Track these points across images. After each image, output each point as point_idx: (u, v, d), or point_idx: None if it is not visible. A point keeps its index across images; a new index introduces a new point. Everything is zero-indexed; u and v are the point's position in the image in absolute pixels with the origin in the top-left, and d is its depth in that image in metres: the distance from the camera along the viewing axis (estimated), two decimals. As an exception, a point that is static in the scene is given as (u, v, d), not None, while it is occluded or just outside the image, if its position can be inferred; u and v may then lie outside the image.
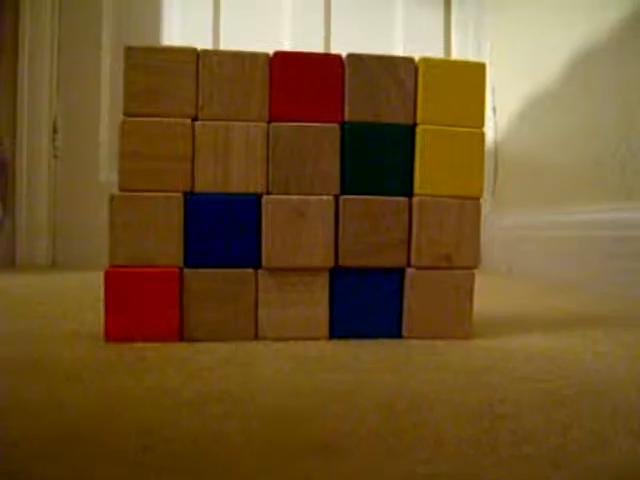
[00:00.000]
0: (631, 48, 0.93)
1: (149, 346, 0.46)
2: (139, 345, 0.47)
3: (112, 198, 0.48)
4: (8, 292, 0.88)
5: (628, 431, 0.28)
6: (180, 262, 0.49)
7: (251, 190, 0.49)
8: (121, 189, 0.48)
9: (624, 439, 0.26)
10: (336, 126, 0.50)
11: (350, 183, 0.50)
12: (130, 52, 0.49)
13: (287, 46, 1.52)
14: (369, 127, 0.50)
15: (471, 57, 1.53)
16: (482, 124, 0.52)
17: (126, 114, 0.49)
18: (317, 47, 1.55)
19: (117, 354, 0.43)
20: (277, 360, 0.42)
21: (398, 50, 1.58)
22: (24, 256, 1.51)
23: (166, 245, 0.48)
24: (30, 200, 1.51)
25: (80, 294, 0.85)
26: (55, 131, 1.53)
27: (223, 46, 1.53)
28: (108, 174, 1.51)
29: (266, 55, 0.50)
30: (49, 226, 1.52)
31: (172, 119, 0.49)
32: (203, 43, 1.47)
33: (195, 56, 0.49)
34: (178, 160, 0.49)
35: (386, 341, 0.50)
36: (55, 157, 1.53)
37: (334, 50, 1.55)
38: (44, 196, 1.52)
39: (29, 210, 1.51)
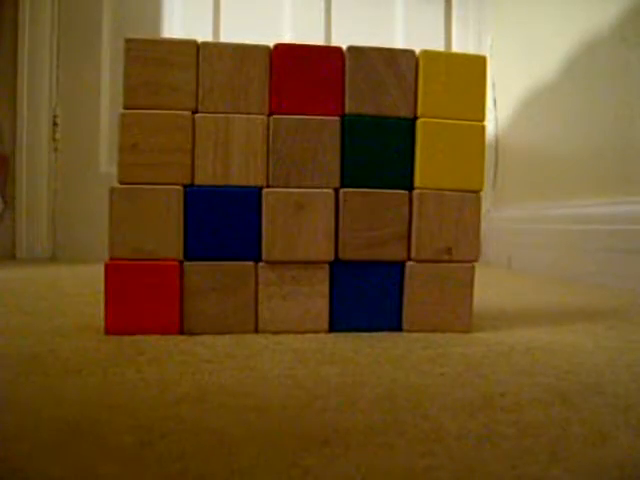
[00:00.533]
0: (631, 41, 0.93)
1: (149, 339, 0.46)
2: (139, 338, 0.47)
3: (112, 191, 0.48)
4: (8, 285, 0.88)
5: (628, 425, 0.28)
6: (180, 255, 0.49)
7: (251, 183, 0.49)
8: (121, 182, 0.48)
9: (624, 433, 0.26)
10: (337, 119, 0.50)
11: (350, 176, 0.50)
12: (130, 44, 0.49)
13: (287, 41, 1.52)
14: (370, 120, 0.50)
15: (472, 51, 1.52)
16: (483, 117, 0.51)
17: (126, 106, 0.49)
18: (318, 43, 1.54)
19: (117, 347, 0.43)
20: (277, 353, 0.42)
21: (398, 45, 1.57)
22: (24, 249, 1.51)
23: (166, 238, 0.48)
24: (30, 193, 1.51)
25: (80, 287, 0.85)
26: (55, 124, 1.52)
27: (223, 39, 1.52)
28: (108, 166, 1.51)
29: (267, 47, 0.50)
30: (49, 219, 1.52)
31: (172, 112, 0.49)
32: (203, 36, 1.46)
33: (195, 48, 0.49)
34: (178, 153, 0.49)
35: (386, 334, 0.50)
36: (55, 150, 1.53)
37: (334, 41, 1.55)
38: (44, 189, 1.52)
39: (29, 203, 1.51)
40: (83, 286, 0.86)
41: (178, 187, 0.48)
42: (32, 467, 0.22)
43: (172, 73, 0.49)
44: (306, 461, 0.23)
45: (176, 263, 0.48)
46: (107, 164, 1.52)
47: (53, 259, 1.52)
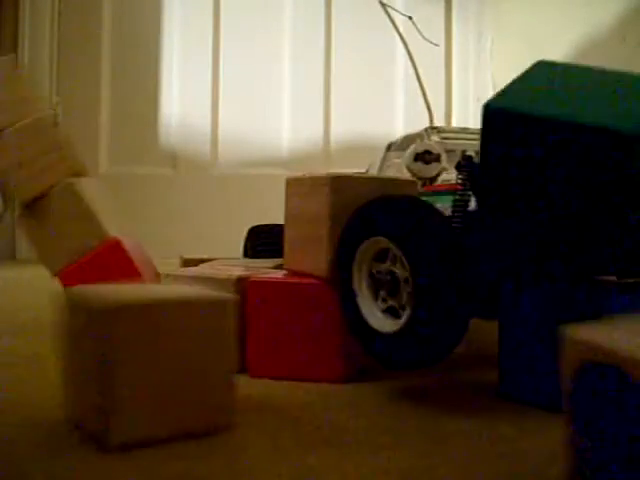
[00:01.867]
0: (632, 41, 0.93)
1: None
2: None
3: (18, 218, 0.49)
4: (8, 285, 0.88)
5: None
6: (100, 237, 0.48)
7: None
8: (21, 204, 0.49)
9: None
10: None
11: None
12: None
13: (287, 45, 1.53)
14: None
15: (472, 51, 1.52)
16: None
17: None
18: (319, 42, 1.55)
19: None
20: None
21: (399, 45, 1.56)
22: (24, 249, 1.50)
23: (80, 229, 0.48)
24: (30, 193, 1.50)
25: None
26: (55, 124, 1.52)
27: (224, 39, 1.52)
28: (108, 166, 1.51)
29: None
30: (49, 219, 1.52)
31: (29, 120, 0.51)
32: (203, 36, 1.48)
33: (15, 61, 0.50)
34: (49, 152, 0.50)
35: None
36: (55, 150, 1.53)
37: (334, 44, 1.55)
38: (44, 189, 1.51)
39: (29, 203, 1.50)
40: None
41: (64, 182, 0.49)
42: (32, 467, 0.22)
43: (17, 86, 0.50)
44: (307, 461, 0.23)
45: (116, 240, 0.48)
46: (107, 164, 1.52)
47: (53, 259, 1.51)
